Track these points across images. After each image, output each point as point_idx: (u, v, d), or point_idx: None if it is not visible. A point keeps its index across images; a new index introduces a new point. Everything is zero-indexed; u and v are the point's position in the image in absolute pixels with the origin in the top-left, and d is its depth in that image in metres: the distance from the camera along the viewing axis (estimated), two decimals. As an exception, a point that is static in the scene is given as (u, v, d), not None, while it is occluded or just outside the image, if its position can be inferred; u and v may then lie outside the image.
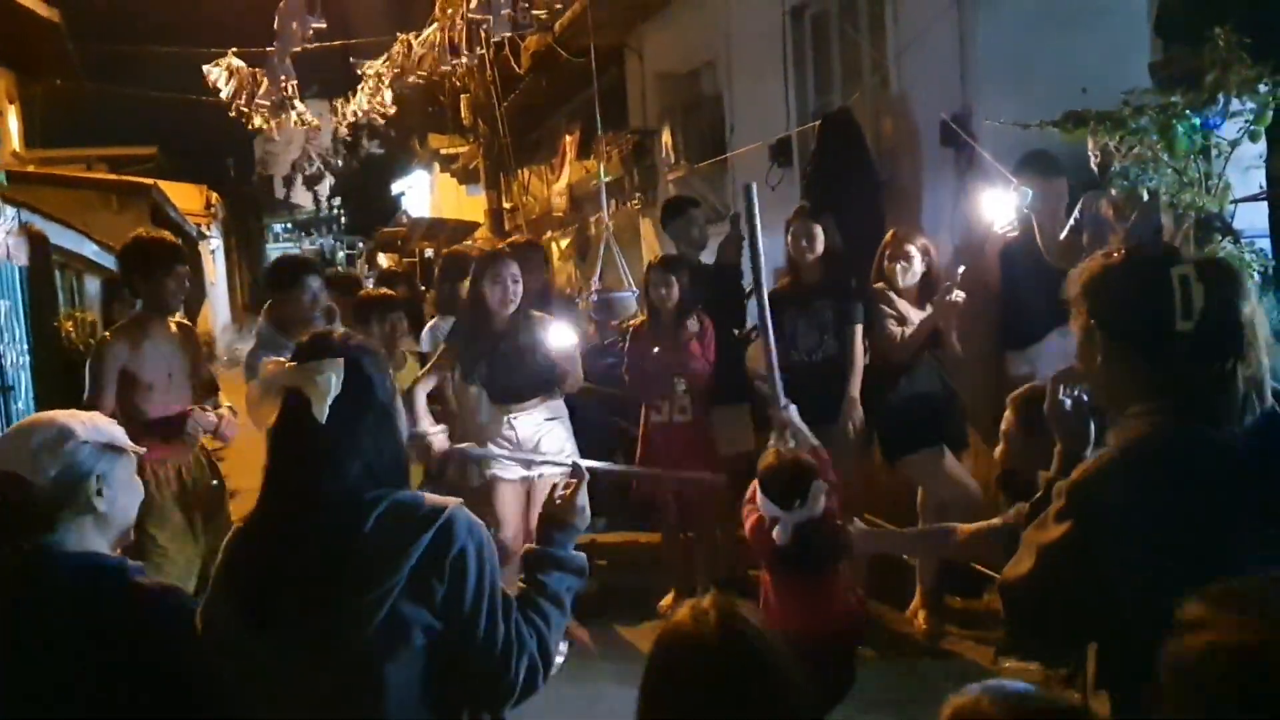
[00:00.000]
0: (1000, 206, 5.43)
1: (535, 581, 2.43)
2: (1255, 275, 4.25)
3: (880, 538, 3.88)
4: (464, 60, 11.04)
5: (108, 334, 4.95)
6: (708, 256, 6.86)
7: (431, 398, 5.55)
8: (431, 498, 2.28)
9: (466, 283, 5.70)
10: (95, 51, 18.32)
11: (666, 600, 6.07)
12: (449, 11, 11.18)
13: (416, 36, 11.88)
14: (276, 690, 2.20)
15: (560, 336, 5.62)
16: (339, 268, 35.52)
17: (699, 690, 1.82)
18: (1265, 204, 4.75)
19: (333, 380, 2.21)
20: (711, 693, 1.81)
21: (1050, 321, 4.98)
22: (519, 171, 16.20)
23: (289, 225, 48.98)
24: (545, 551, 2.49)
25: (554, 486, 2.60)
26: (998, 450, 3.65)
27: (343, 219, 43.14)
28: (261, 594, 2.19)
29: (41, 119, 19.16)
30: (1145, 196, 4.48)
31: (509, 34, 10.31)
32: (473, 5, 10.06)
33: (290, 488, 2.26)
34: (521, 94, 14.30)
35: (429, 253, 20.53)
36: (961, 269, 5.49)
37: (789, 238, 5.91)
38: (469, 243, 15.10)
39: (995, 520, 2.92)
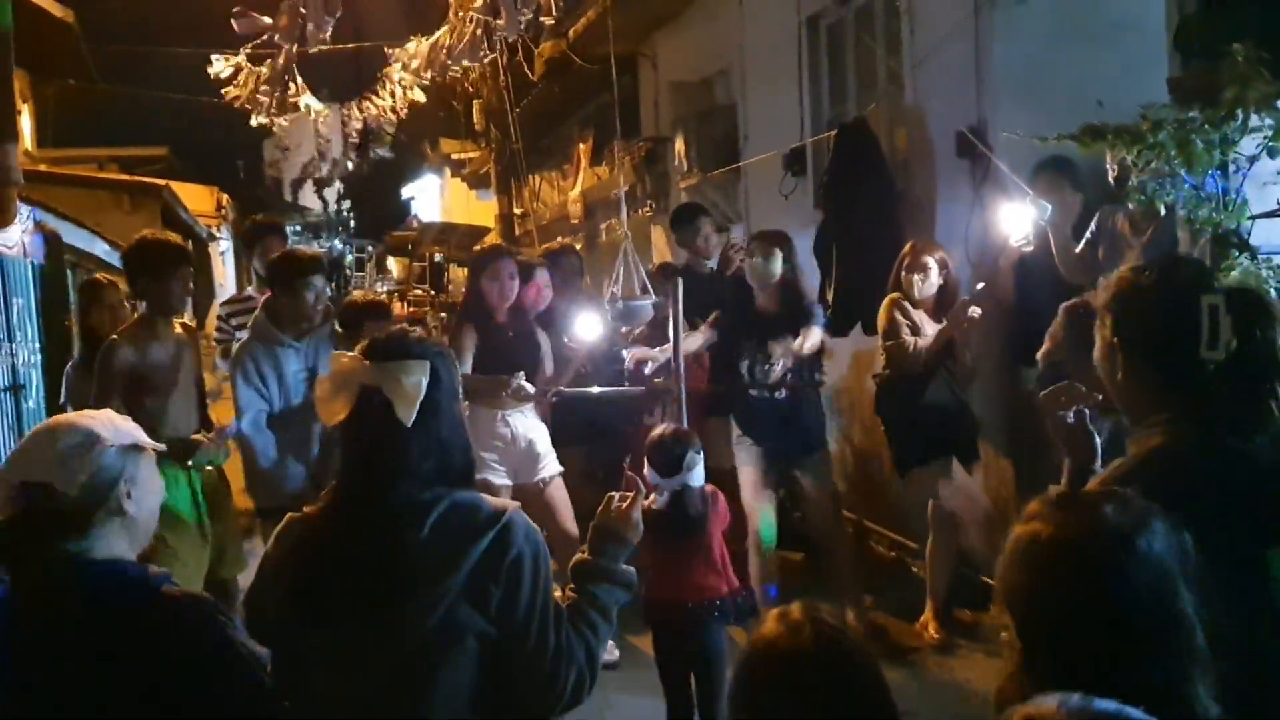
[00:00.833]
0: (1016, 220, 5.41)
1: (585, 592, 2.41)
2: (1272, 292, 4.24)
3: None
4: (470, 62, 11.05)
5: (115, 336, 4.91)
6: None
7: None
8: (491, 500, 2.29)
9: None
10: (108, 52, 18.37)
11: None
12: (460, 14, 11.19)
13: (428, 38, 11.89)
14: (326, 684, 2.20)
15: (587, 329, 5.69)
16: (348, 271, 35.55)
17: (797, 699, 1.81)
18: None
19: (422, 383, 2.23)
20: (809, 702, 1.80)
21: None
22: (530, 177, 16.22)
23: (299, 228, 49.09)
24: (597, 563, 2.46)
25: (610, 498, 2.58)
26: (1041, 351, 3.91)
27: (352, 222, 43.16)
28: (318, 588, 2.19)
29: (54, 119, 19.20)
30: (1162, 211, 4.47)
31: (513, 37, 10.32)
32: (477, 4, 10.08)
33: (361, 484, 2.28)
34: (534, 100, 14.31)
35: (439, 257, 20.55)
36: (980, 285, 5.47)
37: (747, 264, 5.86)
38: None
39: None
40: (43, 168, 15.18)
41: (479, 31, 9.82)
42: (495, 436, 5.52)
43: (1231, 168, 4.31)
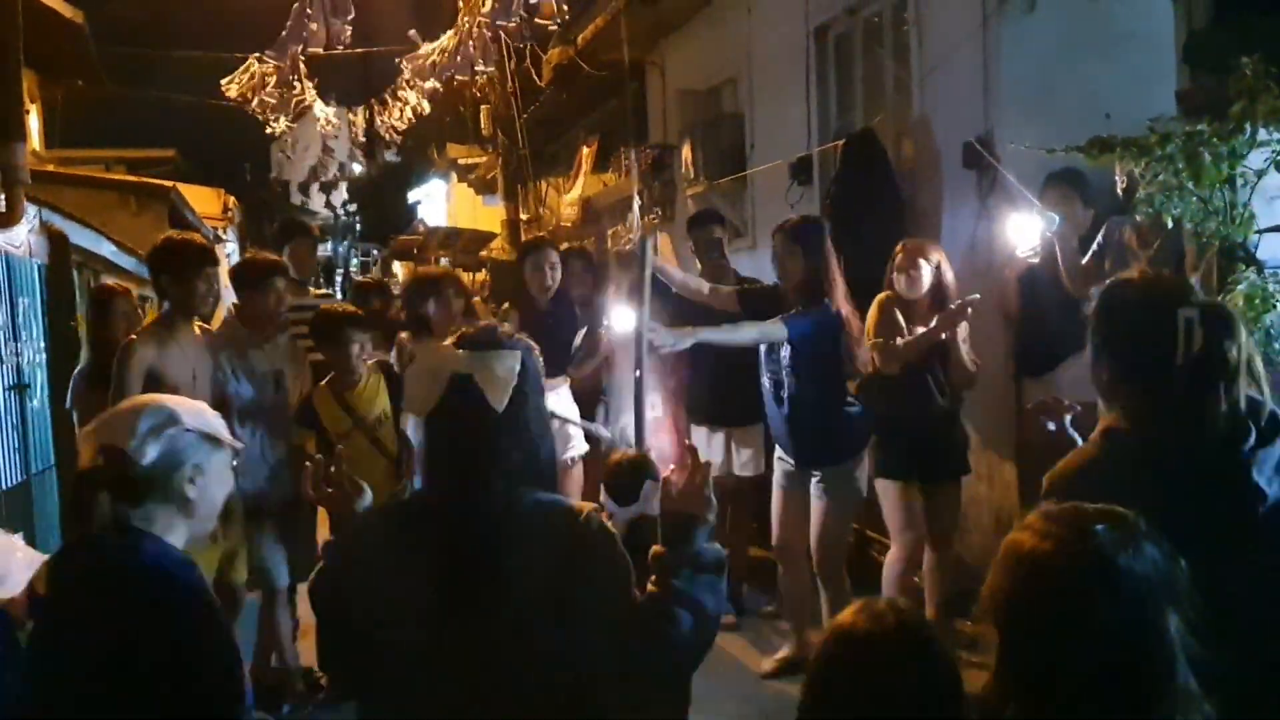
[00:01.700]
0: (1022, 231, 5.37)
1: (666, 586, 2.27)
2: (1278, 305, 4.23)
3: None
4: (482, 68, 11.08)
5: (135, 335, 4.93)
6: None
7: None
8: (571, 501, 2.35)
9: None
10: (117, 54, 18.39)
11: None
12: (466, 21, 11.22)
13: (435, 44, 11.93)
14: (432, 682, 2.21)
15: (622, 320, 5.59)
16: (353, 273, 35.56)
17: (874, 684, 1.81)
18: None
19: (514, 370, 2.28)
20: (886, 686, 1.80)
21: (1068, 348, 4.95)
22: (537, 183, 16.22)
23: (304, 231, 49.03)
24: (673, 553, 2.31)
25: (666, 480, 2.44)
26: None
27: (358, 226, 43.20)
28: (418, 586, 2.20)
29: (62, 119, 19.21)
30: (1169, 225, 4.46)
31: (521, 43, 10.39)
32: (486, 9, 10.11)
33: (452, 477, 2.31)
34: (542, 106, 14.33)
35: (445, 261, 20.55)
36: (974, 296, 5.32)
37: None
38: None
39: None
40: (50, 168, 15.20)
41: (488, 35, 9.86)
42: None
43: (1239, 181, 4.31)
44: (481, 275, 17.17)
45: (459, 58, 11.21)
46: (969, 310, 5.07)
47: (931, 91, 6.78)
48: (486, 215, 19.78)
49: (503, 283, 11.63)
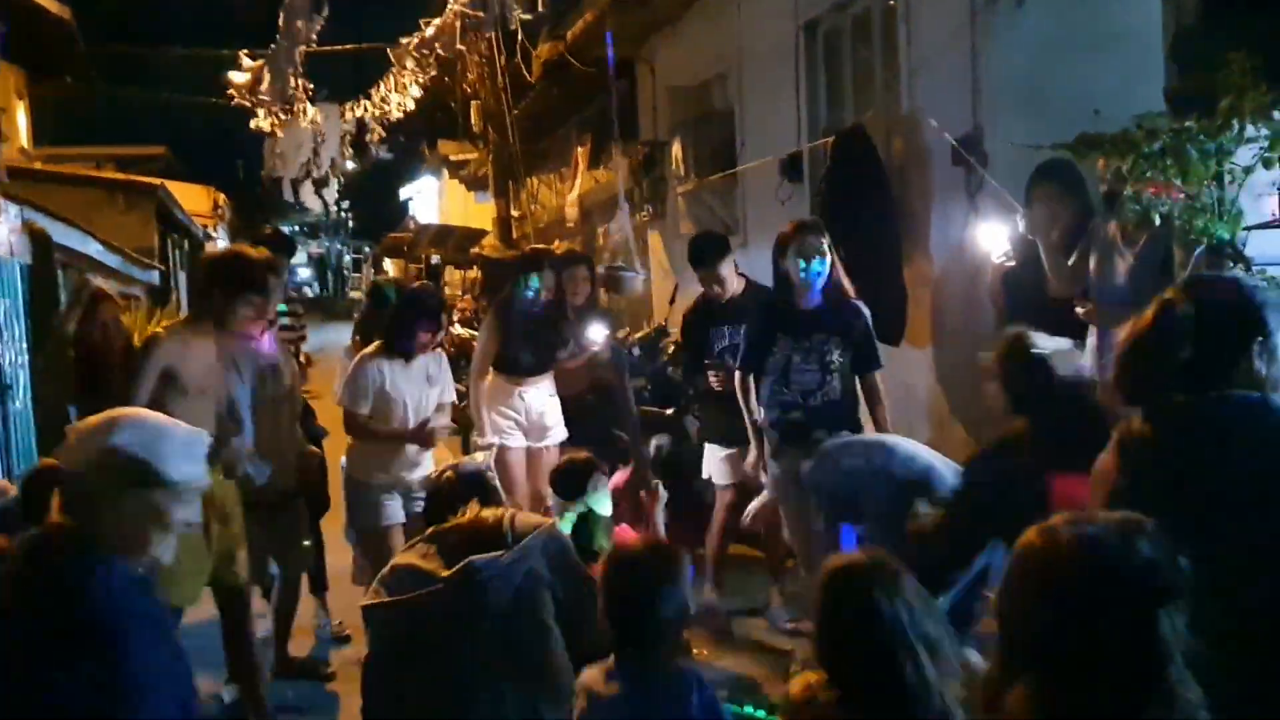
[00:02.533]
0: (1002, 232, 5.33)
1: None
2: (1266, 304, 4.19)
3: None
4: (455, 48, 11.16)
5: (160, 330, 4.97)
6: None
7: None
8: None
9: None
10: (106, 50, 18.35)
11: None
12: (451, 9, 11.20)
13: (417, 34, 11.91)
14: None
15: (596, 333, 6.53)
16: (345, 271, 35.50)
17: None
18: (1278, 231, 4.70)
19: None
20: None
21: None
22: (528, 180, 16.18)
23: (297, 227, 49.08)
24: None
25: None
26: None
27: (350, 223, 43.15)
28: None
29: (51, 117, 19.16)
30: (1157, 222, 4.43)
31: (490, 31, 10.47)
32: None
33: None
34: (532, 102, 14.29)
35: (435, 259, 20.51)
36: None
37: (789, 254, 5.18)
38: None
39: None
40: (38, 165, 15.14)
41: (459, 23, 9.96)
42: (511, 406, 6.36)
43: (1227, 178, 4.28)
44: (473, 273, 17.14)
45: (440, 41, 11.26)
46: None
47: (920, 88, 6.76)
48: (478, 211, 19.74)
49: (495, 280, 11.57)
